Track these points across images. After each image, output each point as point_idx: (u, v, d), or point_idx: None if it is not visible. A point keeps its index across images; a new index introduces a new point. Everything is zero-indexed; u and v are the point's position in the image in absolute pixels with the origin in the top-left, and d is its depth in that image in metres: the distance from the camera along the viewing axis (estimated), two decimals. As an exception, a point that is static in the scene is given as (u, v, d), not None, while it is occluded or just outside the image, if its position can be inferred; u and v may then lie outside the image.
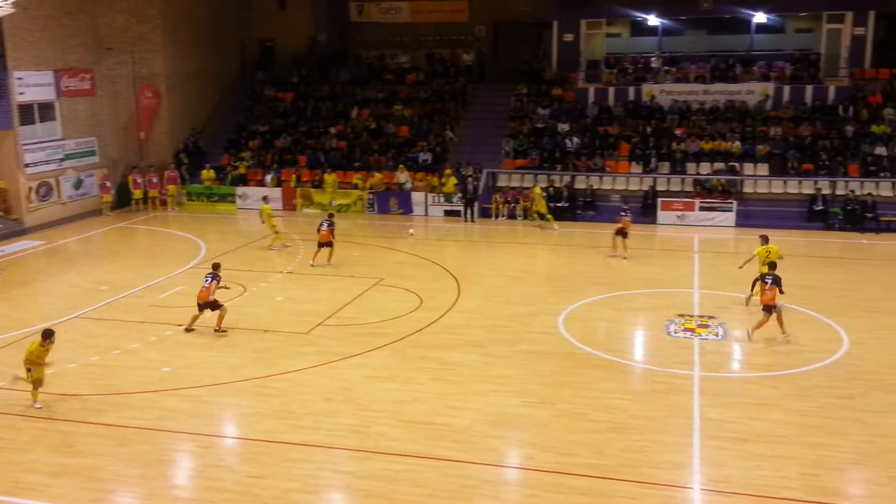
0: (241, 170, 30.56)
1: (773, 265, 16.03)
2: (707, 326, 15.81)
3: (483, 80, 34.52)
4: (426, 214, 28.34)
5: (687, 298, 17.89)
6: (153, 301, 18.08)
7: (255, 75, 35.76)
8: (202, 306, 15.67)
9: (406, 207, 28.53)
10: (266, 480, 10.28)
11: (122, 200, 29.50)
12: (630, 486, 9.98)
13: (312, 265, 20.70)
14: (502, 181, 29.06)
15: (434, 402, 12.54)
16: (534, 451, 10.98)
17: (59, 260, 22.79)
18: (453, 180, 28.12)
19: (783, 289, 15.10)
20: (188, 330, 15.79)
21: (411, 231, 20.14)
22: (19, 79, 25.92)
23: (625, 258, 21.49)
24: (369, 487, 10.09)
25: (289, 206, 29.42)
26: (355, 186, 29.30)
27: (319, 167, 30.43)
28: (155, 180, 29.70)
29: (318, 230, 20.74)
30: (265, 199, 24.87)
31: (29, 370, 12.36)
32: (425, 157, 30.23)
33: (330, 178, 29.34)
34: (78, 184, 28.58)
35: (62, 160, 27.89)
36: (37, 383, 12.41)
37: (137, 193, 29.52)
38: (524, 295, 18.30)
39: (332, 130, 32.20)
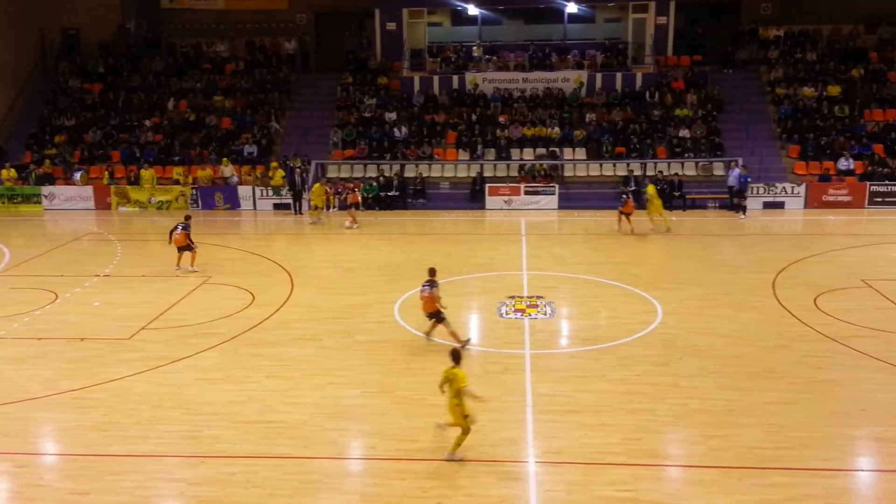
0: (83, 181, 28.09)
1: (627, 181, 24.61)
2: (536, 306, 16.45)
3: (307, 70, 33.99)
4: (254, 209, 27.58)
5: (516, 280, 18.54)
6: (-50, 314, 16.41)
7: (58, 66, 33.22)
8: (430, 316, 14.23)
9: (233, 202, 27.62)
10: (90, 496, 9.63)
11: None
12: (470, 466, 10.20)
13: (178, 268, 19.31)
14: (332, 172, 28.78)
15: (270, 400, 12.24)
16: (375, 441, 10.98)
17: None
18: (281, 173, 27.52)
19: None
20: (430, 336, 14.43)
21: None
22: None
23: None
24: (204, 493, 9.70)
25: (102, 204, 27.64)
26: (176, 182, 27.98)
27: (135, 162, 28.81)
28: (-55, 182, 26.97)
29: (171, 234, 19.35)
30: None
31: (466, 417, 10.14)
32: (250, 149, 29.39)
33: (147, 173, 27.85)
34: None
35: None
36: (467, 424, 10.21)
37: None
38: (358, 285, 18.25)
39: (147, 123, 30.57)
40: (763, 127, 29.76)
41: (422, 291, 14.20)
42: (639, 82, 31.15)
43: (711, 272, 19.02)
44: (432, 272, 14.48)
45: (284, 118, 31.19)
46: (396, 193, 27.51)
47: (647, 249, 21.41)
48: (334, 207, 27.13)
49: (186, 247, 19.33)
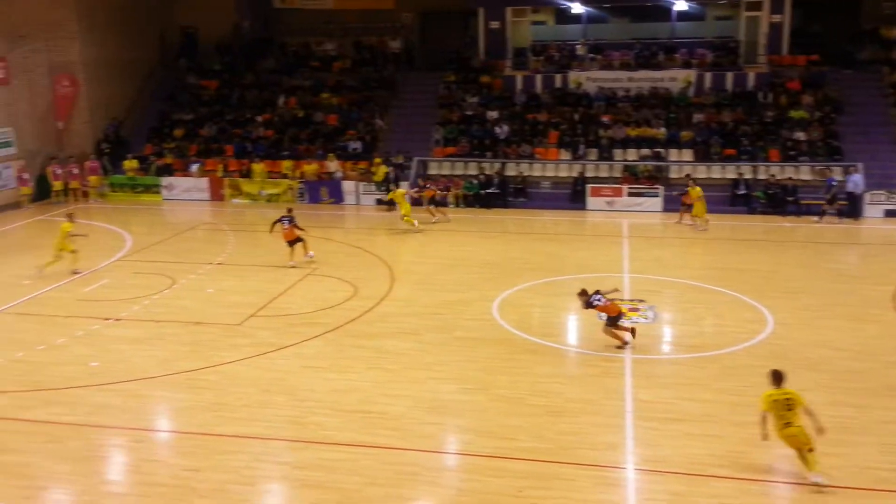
0: (199, 173, 29.10)
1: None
2: (637, 310, 16.15)
3: (411, 68, 34.41)
4: (357, 203, 28.15)
5: (617, 283, 18.20)
6: (79, 295, 17.49)
7: (178, 63, 34.80)
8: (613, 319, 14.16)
9: (337, 196, 28.29)
10: (202, 473, 10.09)
11: (42, 193, 28.38)
12: (568, 468, 10.15)
13: (293, 263, 19.38)
14: (433, 169, 29.08)
15: (370, 391, 12.51)
16: (472, 437, 11.06)
17: (-26, 255, 21.79)
18: (384, 169, 27.95)
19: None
20: (622, 345, 13.96)
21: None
22: (-74, 66, 24.65)
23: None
24: (307, 477, 10.01)
25: (216, 196, 28.82)
26: (284, 176, 28.87)
27: (247, 156, 29.88)
28: (76, 171, 28.67)
29: (274, 226, 19.63)
30: (69, 215, 20.24)
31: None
32: (355, 145, 30.01)
33: (258, 167, 28.84)
34: (-7, 175, 27.43)
35: (-24, 152, 26.72)
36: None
37: (57, 185, 28.48)
38: (458, 282, 18.38)
39: (259, 119, 31.63)
40: (885, 131, 28.21)
41: (600, 303, 13.99)
42: (751, 82, 30.07)
43: (826, 282, 18.19)
44: (585, 293, 14.27)
45: (388, 115, 31.69)
46: (497, 192, 27.53)
47: (758, 256, 20.64)
48: (434, 204, 27.40)
49: (296, 239, 19.46)
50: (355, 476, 10.02)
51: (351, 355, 13.95)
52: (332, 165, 28.79)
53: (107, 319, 15.71)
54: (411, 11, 35.12)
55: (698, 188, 24.03)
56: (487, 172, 28.15)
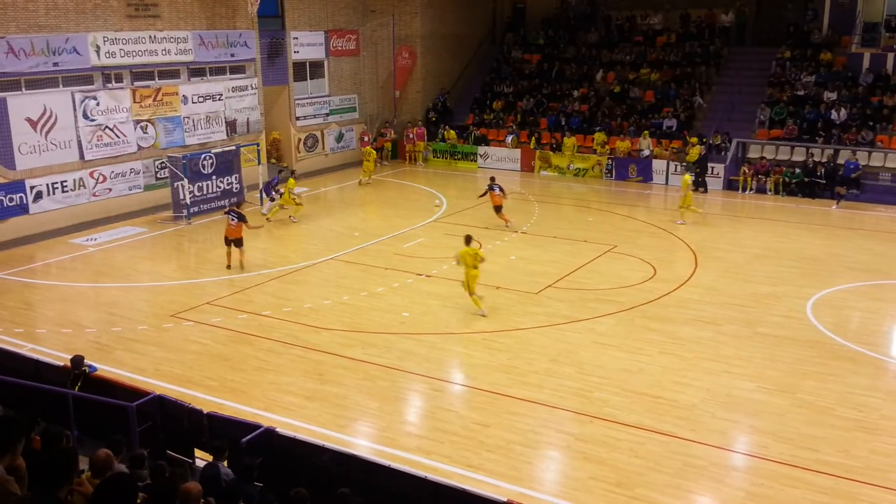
0: (514, 144, 30.53)
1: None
2: None
3: (742, 43, 32.36)
4: (666, 184, 27.33)
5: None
6: (398, 249, 19.22)
7: (505, 37, 36.22)
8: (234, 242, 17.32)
9: (645, 175, 27.72)
10: (490, 429, 10.67)
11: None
12: (876, 492, 9.17)
13: (508, 224, 21.04)
14: (753, 152, 27.26)
15: (661, 376, 12.26)
16: (767, 440, 10.40)
17: (320, 206, 24.83)
18: (697, 149, 26.74)
19: None
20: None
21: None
22: (295, 38, 28.39)
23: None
24: (589, 451, 10.13)
25: (526, 167, 29.75)
26: (594, 151, 28.90)
27: (560, 130, 30.37)
28: (409, 136, 31.33)
29: (490, 194, 21.16)
30: (293, 172, 23.55)
31: None
32: (669, 123, 29.09)
33: (569, 141, 29.18)
34: (339, 137, 30.95)
35: (327, 115, 30.34)
36: None
37: (387, 148, 31.34)
38: (768, 274, 17.19)
39: (576, 93, 31.92)
40: None
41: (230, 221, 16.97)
42: None
43: None
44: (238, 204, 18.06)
45: (709, 93, 30.19)
46: (823, 181, 25.08)
47: None
48: (751, 190, 25.81)
49: (501, 206, 20.98)
50: (637, 459, 9.95)
51: (643, 337, 13.77)
52: (644, 143, 28.22)
53: (419, 275, 17.10)
54: (750, -18, 32.89)
55: (688, 176, 22.53)
56: (816, 159, 25.74)
